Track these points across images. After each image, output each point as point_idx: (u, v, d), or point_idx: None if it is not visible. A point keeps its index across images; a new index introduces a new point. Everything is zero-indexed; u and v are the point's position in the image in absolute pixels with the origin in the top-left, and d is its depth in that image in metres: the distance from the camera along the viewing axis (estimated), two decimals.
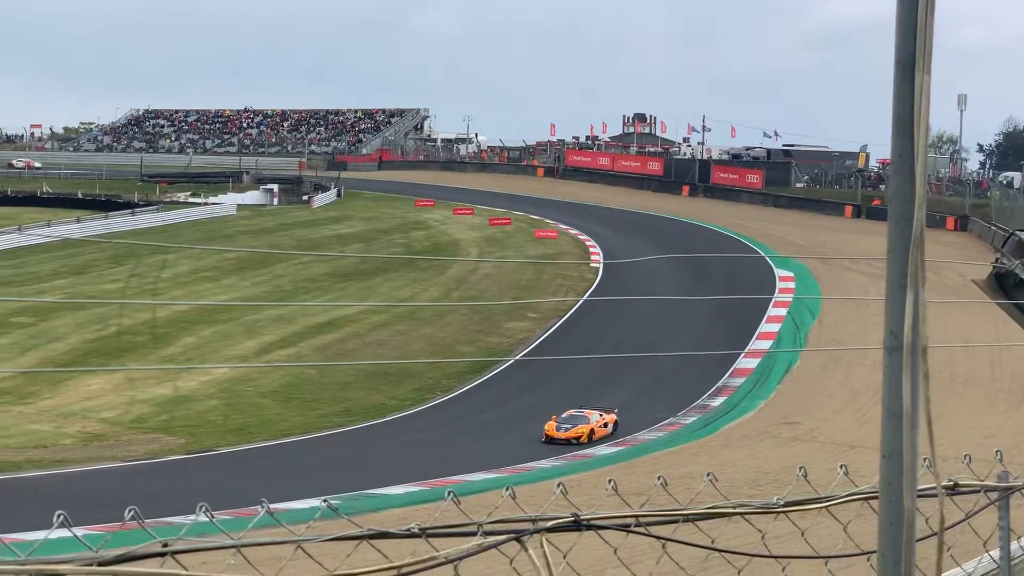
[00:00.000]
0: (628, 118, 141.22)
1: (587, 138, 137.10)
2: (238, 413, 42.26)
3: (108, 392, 44.22)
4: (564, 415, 38.93)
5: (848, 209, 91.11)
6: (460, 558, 2.66)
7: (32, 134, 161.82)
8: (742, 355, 48.59)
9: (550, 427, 38.17)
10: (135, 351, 50.60)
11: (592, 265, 69.19)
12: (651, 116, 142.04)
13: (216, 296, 62.15)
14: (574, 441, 37.72)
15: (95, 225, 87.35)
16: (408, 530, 2.64)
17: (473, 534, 2.74)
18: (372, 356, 49.80)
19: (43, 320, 55.22)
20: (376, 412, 42.77)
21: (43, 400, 43.02)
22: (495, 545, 2.76)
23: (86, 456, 35.86)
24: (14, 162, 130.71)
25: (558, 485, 3.04)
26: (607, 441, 38.15)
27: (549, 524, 2.83)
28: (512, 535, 2.78)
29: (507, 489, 2.97)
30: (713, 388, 45.11)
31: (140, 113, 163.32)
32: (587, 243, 77.39)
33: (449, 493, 2.92)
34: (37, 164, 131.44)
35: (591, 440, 38.08)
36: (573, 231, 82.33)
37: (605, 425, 39.08)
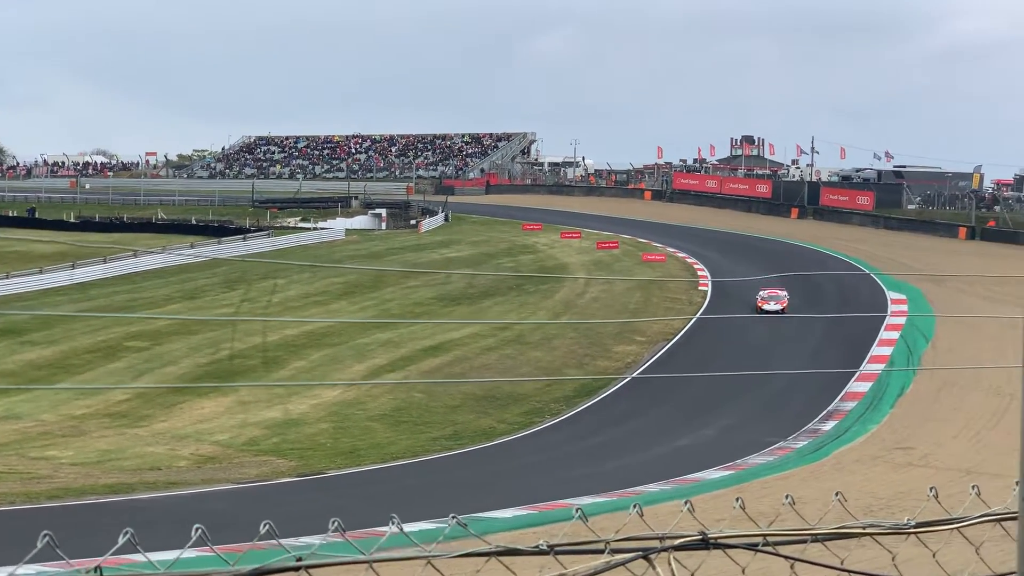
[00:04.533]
0: (736, 140, 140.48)
1: (695, 161, 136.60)
2: (348, 436, 42.57)
3: (220, 415, 44.83)
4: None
5: (962, 231, 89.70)
6: None
7: (147, 161, 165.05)
8: (854, 379, 47.97)
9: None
10: (247, 375, 51.28)
11: (700, 288, 68.81)
12: (759, 138, 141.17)
13: (325, 320, 62.77)
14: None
15: (208, 250, 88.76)
16: (537, 547, 2.63)
17: (601, 552, 2.72)
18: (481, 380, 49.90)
19: (157, 344, 56.20)
20: (485, 435, 42.82)
21: (157, 423, 43.73)
22: (623, 563, 2.74)
23: (200, 478, 36.34)
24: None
25: (685, 503, 3.02)
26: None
27: (677, 542, 2.80)
28: (640, 553, 2.76)
29: (634, 507, 2.95)
30: (824, 412, 44.52)
31: (251, 140, 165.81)
32: (695, 266, 77.01)
33: (577, 510, 2.91)
34: (87, 186, 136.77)
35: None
36: (681, 254, 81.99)
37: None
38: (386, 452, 40.50)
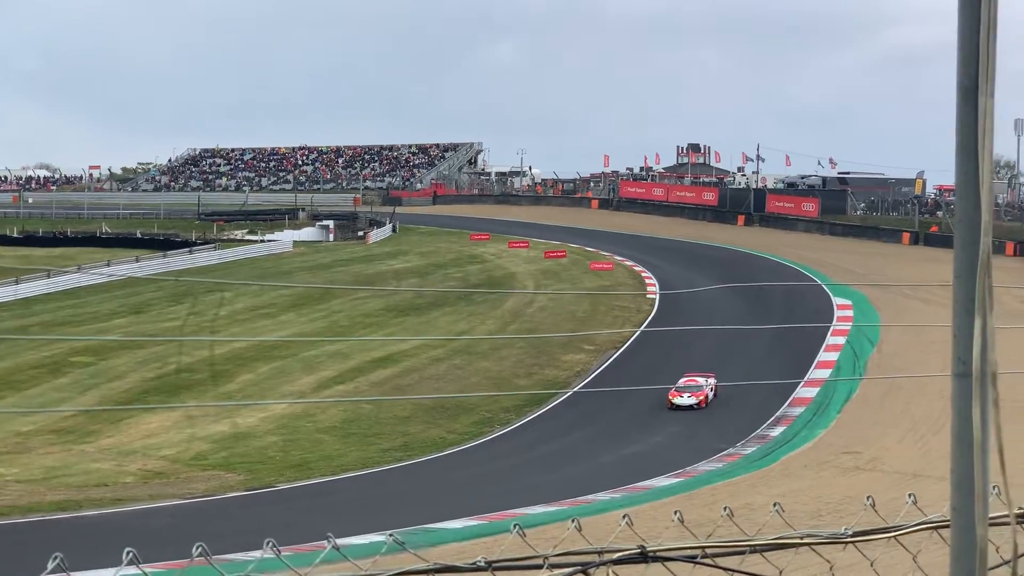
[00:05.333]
0: (682, 148, 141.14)
1: (641, 169, 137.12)
2: (297, 449, 42.42)
3: (168, 430, 44.52)
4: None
5: (905, 236, 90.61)
6: None
7: (91, 175, 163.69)
8: (801, 384, 48.30)
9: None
10: (194, 388, 50.93)
11: (648, 296, 69.02)
12: (705, 146, 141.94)
13: (274, 332, 62.48)
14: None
15: (154, 264, 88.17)
16: (474, 564, 2.63)
17: (539, 567, 2.72)
18: (430, 390, 49.89)
19: (103, 359, 55.72)
20: (435, 446, 42.79)
21: (104, 438, 43.37)
22: None
23: (147, 494, 36.09)
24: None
25: (623, 516, 3.02)
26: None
27: (615, 556, 2.81)
28: (578, 568, 2.76)
29: (573, 521, 2.95)
30: (772, 418, 44.81)
31: (197, 152, 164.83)
32: (643, 274, 77.26)
33: (515, 526, 2.91)
34: (30, 200, 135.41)
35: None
36: (629, 263, 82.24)
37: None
38: (336, 464, 40.40)
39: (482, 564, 2.62)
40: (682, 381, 46.22)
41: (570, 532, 2.93)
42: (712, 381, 46.36)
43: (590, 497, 34.21)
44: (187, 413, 46.64)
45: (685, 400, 45.33)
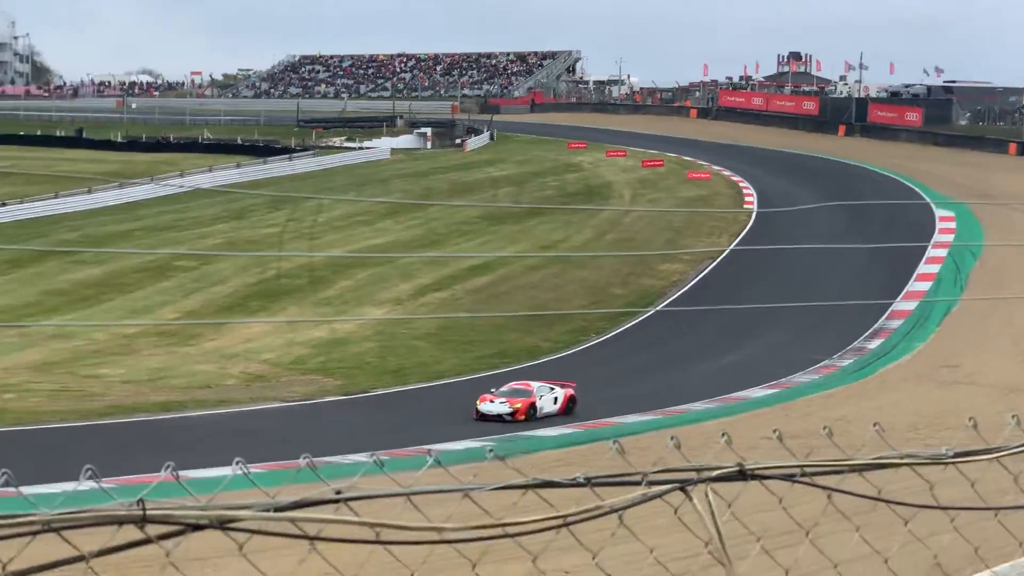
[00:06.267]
0: (783, 57, 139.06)
1: (741, 78, 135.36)
2: (393, 355, 42.87)
3: (268, 334, 45.21)
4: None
5: (1012, 147, 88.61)
6: (625, 507, 2.68)
7: (192, 81, 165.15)
8: (900, 296, 47.71)
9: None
10: (293, 294, 51.61)
11: (746, 206, 68.41)
12: (806, 54, 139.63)
13: (371, 240, 62.93)
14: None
15: (254, 170, 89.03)
16: (574, 479, 2.66)
17: (638, 483, 2.75)
18: (526, 299, 50.03)
19: (206, 264, 56.58)
20: (530, 354, 43.00)
21: (207, 341, 44.17)
22: (660, 495, 2.77)
23: (248, 396, 36.77)
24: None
25: (722, 435, 3.04)
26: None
27: (714, 474, 2.83)
28: (677, 484, 2.79)
29: (672, 439, 2.98)
30: (870, 330, 44.38)
31: (296, 59, 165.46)
32: (740, 184, 76.52)
33: (614, 442, 2.94)
34: (134, 106, 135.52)
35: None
36: (726, 172, 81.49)
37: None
38: (432, 371, 40.79)
39: (581, 480, 2.65)
40: (508, 387, 35.46)
41: (669, 449, 2.95)
42: (562, 392, 35.46)
43: (685, 407, 34.26)
44: (286, 318, 47.38)
45: (495, 407, 34.23)
